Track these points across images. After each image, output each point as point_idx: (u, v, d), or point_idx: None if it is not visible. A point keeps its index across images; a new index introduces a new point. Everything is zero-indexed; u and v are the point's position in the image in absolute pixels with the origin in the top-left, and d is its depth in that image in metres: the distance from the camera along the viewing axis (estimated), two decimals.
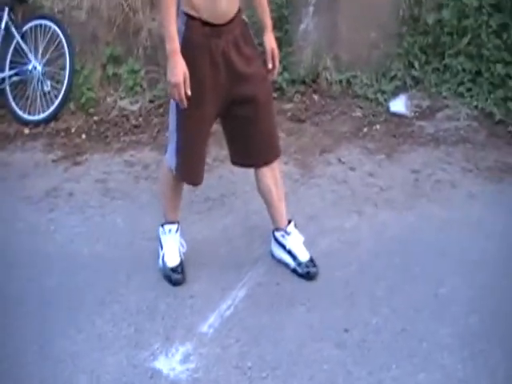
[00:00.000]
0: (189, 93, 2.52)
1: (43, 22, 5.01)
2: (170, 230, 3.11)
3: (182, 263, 3.08)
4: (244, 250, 3.20)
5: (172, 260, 3.06)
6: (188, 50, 2.54)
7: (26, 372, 2.57)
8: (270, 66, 2.84)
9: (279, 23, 4.90)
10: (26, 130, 4.81)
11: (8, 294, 3.05)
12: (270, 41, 2.84)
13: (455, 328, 2.63)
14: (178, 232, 3.13)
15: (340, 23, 4.88)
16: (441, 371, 2.43)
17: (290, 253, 3.04)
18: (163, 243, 3.12)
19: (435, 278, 2.92)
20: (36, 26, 5.04)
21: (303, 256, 3.03)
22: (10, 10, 5.01)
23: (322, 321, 2.72)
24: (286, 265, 3.05)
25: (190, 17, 2.56)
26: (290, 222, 3.09)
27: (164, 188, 3.09)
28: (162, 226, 3.13)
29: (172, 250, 3.09)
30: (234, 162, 3.03)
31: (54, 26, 4.95)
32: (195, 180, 2.95)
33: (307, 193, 3.69)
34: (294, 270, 3.02)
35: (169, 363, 2.56)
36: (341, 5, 4.87)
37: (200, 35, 2.57)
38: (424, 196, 3.57)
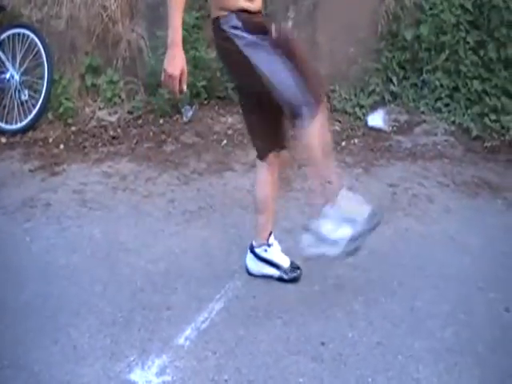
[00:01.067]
0: (185, 88, 2.53)
1: (21, 30, 5.00)
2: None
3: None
4: (221, 262, 3.19)
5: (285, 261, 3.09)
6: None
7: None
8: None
9: None
10: (3, 139, 4.78)
11: None
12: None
13: (431, 342, 2.64)
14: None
15: (319, 38, 4.93)
16: None
17: (272, 264, 3.05)
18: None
19: (411, 292, 2.94)
20: (14, 35, 5.02)
21: (286, 262, 3.05)
22: None
23: (298, 334, 2.71)
24: (269, 277, 3.05)
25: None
26: (270, 233, 3.09)
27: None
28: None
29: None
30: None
31: (32, 35, 4.93)
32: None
33: (285, 206, 3.69)
34: (280, 279, 3.03)
35: (145, 375, 2.53)
36: (320, 19, 4.93)
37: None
38: (401, 210, 3.61)
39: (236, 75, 2.86)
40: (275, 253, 3.07)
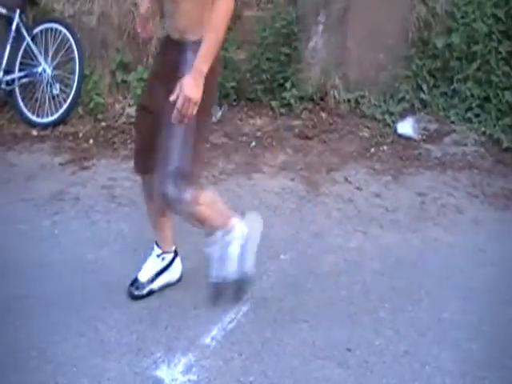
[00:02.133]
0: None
1: (54, 25, 5.03)
2: (153, 249, 3.05)
3: (144, 285, 3.04)
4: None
5: (142, 274, 3.03)
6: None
7: (27, 376, 2.55)
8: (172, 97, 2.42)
9: (288, 40, 4.95)
10: (34, 132, 4.83)
11: (10, 296, 3.03)
12: (186, 80, 2.37)
13: (457, 353, 2.62)
14: (163, 261, 3.07)
15: (349, 43, 4.93)
16: None
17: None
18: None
19: (439, 302, 2.93)
20: (47, 30, 5.06)
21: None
22: (21, 12, 5.03)
23: (324, 339, 2.71)
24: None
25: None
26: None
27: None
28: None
29: (147, 267, 3.05)
30: None
31: (64, 30, 4.96)
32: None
33: (313, 210, 3.71)
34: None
35: (171, 373, 2.55)
36: (350, 24, 4.92)
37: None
38: (429, 219, 3.59)
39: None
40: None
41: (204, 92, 2.35)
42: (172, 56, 2.56)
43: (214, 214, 2.73)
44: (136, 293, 3.00)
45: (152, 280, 3.02)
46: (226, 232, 2.74)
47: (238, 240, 2.74)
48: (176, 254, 3.09)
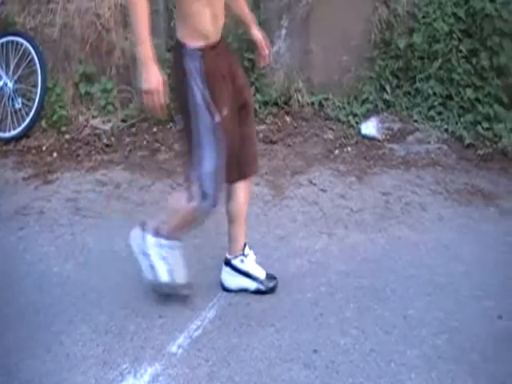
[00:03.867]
0: (163, 101, 2.49)
1: (15, 38, 5.00)
2: (176, 246, 2.93)
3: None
4: (214, 270, 3.17)
5: (182, 277, 2.95)
6: (210, 77, 2.57)
7: None
8: (266, 52, 3.00)
9: (251, 45, 4.93)
10: None
11: None
12: (258, 33, 2.94)
13: (423, 349, 2.64)
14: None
15: (312, 46, 4.95)
16: None
17: (247, 275, 3.02)
18: (168, 257, 2.90)
19: (404, 300, 2.94)
20: (8, 42, 5.02)
21: (261, 273, 3.03)
22: None
23: (291, 341, 2.71)
24: (245, 290, 3.03)
25: (202, 50, 2.56)
26: (245, 244, 3.06)
27: (183, 223, 2.86)
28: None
29: (180, 267, 2.95)
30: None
31: (25, 43, 4.93)
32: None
33: (278, 214, 3.71)
34: (257, 291, 3.02)
35: (137, 383, 2.54)
36: (313, 28, 4.94)
37: (214, 61, 2.59)
38: (394, 218, 3.61)
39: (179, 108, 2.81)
40: (251, 264, 3.04)
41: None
42: (229, 55, 2.78)
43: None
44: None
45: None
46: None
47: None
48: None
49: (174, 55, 2.74)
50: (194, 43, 2.55)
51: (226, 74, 2.65)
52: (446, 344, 2.67)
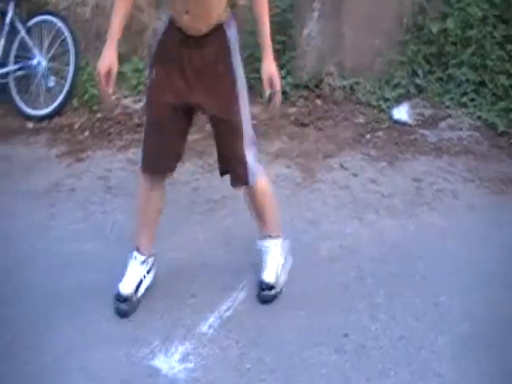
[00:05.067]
0: (110, 89, 2.55)
1: (48, 17, 5.03)
2: (135, 257, 2.92)
3: (132, 297, 2.86)
4: (245, 251, 3.19)
5: (126, 287, 2.87)
6: (161, 49, 2.64)
7: (23, 368, 2.57)
8: (266, 94, 2.65)
9: (283, 28, 4.92)
10: (30, 125, 4.84)
11: (7, 288, 3.05)
12: (266, 68, 2.61)
13: (454, 337, 2.63)
14: (147, 266, 2.94)
15: (344, 29, 4.90)
16: (438, 380, 2.43)
17: None
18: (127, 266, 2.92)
19: (435, 287, 2.93)
20: (41, 22, 5.06)
21: None
22: (16, 5, 5.03)
23: (321, 325, 2.72)
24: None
25: (170, 21, 2.60)
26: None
27: (137, 202, 2.93)
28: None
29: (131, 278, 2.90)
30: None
31: (59, 23, 4.96)
32: (156, 167, 2.81)
33: (309, 197, 3.71)
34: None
35: (168, 362, 2.56)
36: (345, 11, 4.89)
37: (172, 40, 2.60)
38: (425, 205, 3.59)
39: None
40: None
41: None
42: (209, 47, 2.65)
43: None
44: (125, 309, 2.84)
45: (136, 290, 2.89)
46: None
47: None
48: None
49: None
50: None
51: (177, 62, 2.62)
52: (477, 333, 2.65)
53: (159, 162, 2.79)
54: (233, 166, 2.78)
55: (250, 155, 2.75)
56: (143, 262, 2.92)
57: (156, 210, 2.91)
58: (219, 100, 2.64)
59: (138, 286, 2.89)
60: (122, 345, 2.66)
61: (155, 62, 2.69)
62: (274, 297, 2.87)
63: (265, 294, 2.87)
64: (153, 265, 2.97)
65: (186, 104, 2.65)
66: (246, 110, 2.70)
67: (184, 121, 2.75)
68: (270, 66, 2.60)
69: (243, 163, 2.73)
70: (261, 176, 2.83)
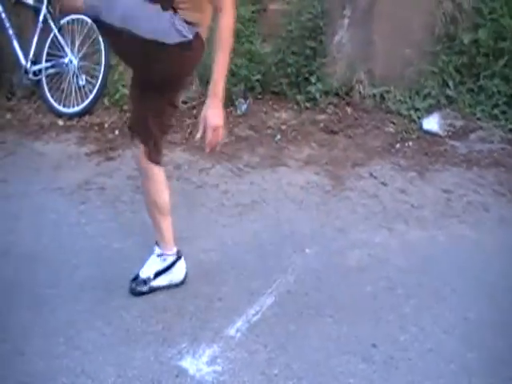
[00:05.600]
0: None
1: (80, 16, 5.04)
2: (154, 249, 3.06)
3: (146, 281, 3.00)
4: (274, 256, 3.20)
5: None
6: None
7: (54, 363, 2.57)
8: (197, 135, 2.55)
9: (314, 33, 4.94)
10: (61, 122, 4.88)
11: (37, 285, 3.06)
12: (207, 108, 2.48)
13: (483, 353, 2.60)
14: (164, 261, 3.03)
15: (375, 37, 4.90)
16: None
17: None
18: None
19: (464, 301, 2.91)
20: (73, 21, 5.09)
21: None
22: (49, 2, 5.07)
23: (349, 334, 2.71)
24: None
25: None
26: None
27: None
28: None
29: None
30: None
31: (90, 22, 4.97)
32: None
33: (338, 205, 3.70)
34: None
35: (196, 363, 2.56)
36: (376, 19, 4.89)
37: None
38: (455, 217, 3.57)
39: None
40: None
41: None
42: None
43: None
44: (138, 289, 2.97)
45: (152, 278, 2.98)
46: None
47: None
48: (179, 256, 3.04)
49: None
50: None
51: None
52: (507, 349, 2.62)
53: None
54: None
55: None
56: (159, 256, 3.01)
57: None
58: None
59: (153, 276, 2.98)
60: (150, 344, 2.66)
61: None
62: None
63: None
64: (173, 264, 3.01)
65: None
66: None
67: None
68: (211, 109, 2.48)
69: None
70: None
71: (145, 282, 2.98)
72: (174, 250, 3.02)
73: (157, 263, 3.00)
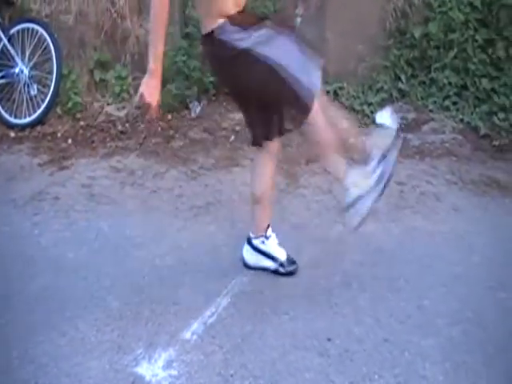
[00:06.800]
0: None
1: (30, 25, 5.00)
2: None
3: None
4: (228, 258, 3.20)
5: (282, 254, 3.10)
6: None
7: (8, 376, 2.54)
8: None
9: None
10: (12, 134, 4.80)
11: None
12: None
13: (438, 339, 2.63)
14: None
15: (327, 35, 4.92)
16: (422, 382, 2.43)
17: (269, 256, 3.07)
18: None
19: (419, 290, 2.94)
20: (23, 30, 5.03)
21: (282, 255, 3.07)
22: None
23: (305, 330, 2.71)
24: (265, 269, 3.07)
25: None
26: (268, 225, 3.09)
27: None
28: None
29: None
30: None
31: (41, 30, 4.93)
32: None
33: (293, 202, 3.71)
34: (276, 271, 3.06)
35: (151, 369, 2.54)
36: (328, 16, 4.92)
37: None
38: (409, 208, 3.61)
39: (244, 79, 2.72)
40: (272, 245, 3.08)
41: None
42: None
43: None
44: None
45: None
46: None
47: None
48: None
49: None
50: None
51: None
52: (461, 335, 2.66)
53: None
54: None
55: None
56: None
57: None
58: None
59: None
60: (106, 352, 2.64)
61: None
62: None
63: (295, 267, 3.08)
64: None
65: None
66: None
67: None
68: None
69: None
70: None
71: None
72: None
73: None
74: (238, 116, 4.67)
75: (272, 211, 3.10)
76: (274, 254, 3.06)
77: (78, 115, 4.88)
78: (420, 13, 4.81)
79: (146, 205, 3.75)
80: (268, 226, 3.08)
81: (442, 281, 3.00)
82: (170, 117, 4.77)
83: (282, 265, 3.05)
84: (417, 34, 4.72)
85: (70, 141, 4.62)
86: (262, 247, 3.07)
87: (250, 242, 3.11)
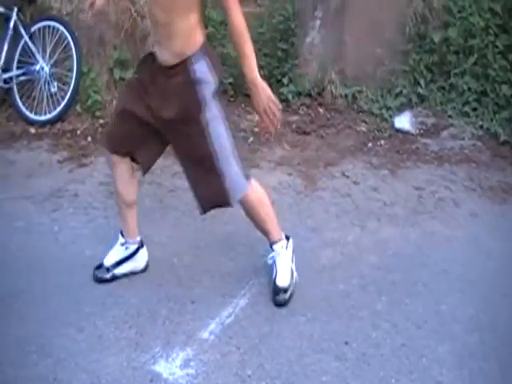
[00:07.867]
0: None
1: (51, 23, 5.03)
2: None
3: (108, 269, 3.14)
4: (246, 258, 3.21)
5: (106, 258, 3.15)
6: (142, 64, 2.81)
7: (26, 371, 2.56)
8: (261, 125, 2.84)
9: (286, 35, 4.97)
10: (32, 130, 4.84)
11: (9, 293, 3.04)
12: (254, 96, 2.71)
13: (455, 345, 2.63)
14: (126, 249, 3.15)
15: (346, 38, 4.93)
16: None
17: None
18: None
19: (436, 295, 2.93)
20: (44, 27, 5.06)
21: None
22: (19, 10, 5.04)
23: (322, 332, 2.72)
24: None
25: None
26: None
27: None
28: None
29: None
30: None
31: (62, 28, 4.96)
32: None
33: (310, 205, 3.71)
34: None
35: (169, 367, 2.56)
36: (347, 20, 4.92)
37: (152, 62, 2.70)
38: (427, 213, 3.60)
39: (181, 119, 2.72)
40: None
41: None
42: (174, 79, 2.66)
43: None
44: (99, 275, 3.10)
45: (114, 266, 3.10)
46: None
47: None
48: (141, 244, 3.15)
49: None
50: None
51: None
52: (478, 341, 2.65)
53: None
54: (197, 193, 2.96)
55: (231, 171, 2.86)
56: (122, 245, 3.12)
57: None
58: (183, 135, 2.78)
59: (116, 264, 3.11)
60: (123, 350, 2.66)
61: (136, 71, 2.91)
62: (289, 300, 2.91)
63: (279, 299, 2.90)
64: (135, 252, 3.13)
65: (150, 122, 2.77)
66: (217, 138, 2.87)
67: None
68: (260, 93, 2.68)
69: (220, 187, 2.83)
70: (247, 189, 2.87)
71: (108, 269, 3.10)
72: (137, 238, 3.13)
73: (120, 251, 3.11)
74: (257, 117, 4.68)
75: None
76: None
77: (98, 113, 4.90)
78: (440, 18, 4.79)
79: (163, 204, 3.77)
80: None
81: (459, 286, 3.00)
82: None
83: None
84: (436, 39, 4.70)
85: (89, 138, 4.64)
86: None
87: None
